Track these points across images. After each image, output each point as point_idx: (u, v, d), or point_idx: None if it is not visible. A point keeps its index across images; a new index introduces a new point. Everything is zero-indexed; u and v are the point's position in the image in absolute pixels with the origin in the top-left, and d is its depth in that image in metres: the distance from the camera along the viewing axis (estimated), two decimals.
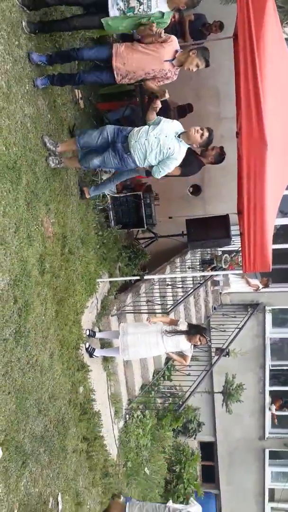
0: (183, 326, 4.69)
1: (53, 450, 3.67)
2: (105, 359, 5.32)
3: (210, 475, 9.07)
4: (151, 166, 3.95)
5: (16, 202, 3.29)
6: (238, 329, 7.51)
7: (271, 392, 8.56)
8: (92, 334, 4.92)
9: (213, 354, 7.55)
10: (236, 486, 8.81)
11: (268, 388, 8.48)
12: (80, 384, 4.45)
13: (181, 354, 4.76)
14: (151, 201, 5.65)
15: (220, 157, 3.84)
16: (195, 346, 4.69)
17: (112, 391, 5.45)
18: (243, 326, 7.67)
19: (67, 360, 4.19)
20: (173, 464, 7.37)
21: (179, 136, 3.79)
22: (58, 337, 4.04)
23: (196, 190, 7.50)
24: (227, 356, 6.95)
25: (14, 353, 3.19)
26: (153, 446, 6.30)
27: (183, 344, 4.63)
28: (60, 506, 3.71)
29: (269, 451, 8.71)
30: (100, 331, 5.20)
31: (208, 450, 8.84)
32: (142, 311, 5.80)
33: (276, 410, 8.57)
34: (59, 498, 3.72)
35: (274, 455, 8.86)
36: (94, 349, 4.86)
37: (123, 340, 4.70)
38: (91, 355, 4.79)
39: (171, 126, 3.81)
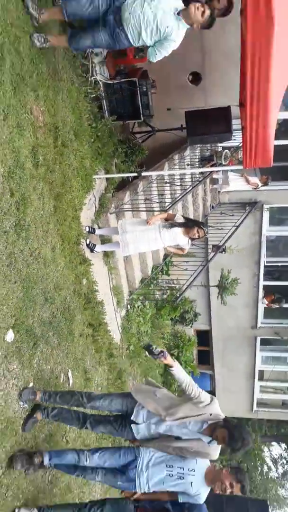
0: (180, 220, 4.72)
1: (61, 334, 3.96)
2: (106, 255, 5.47)
3: (205, 359, 9.96)
4: (147, 47, 3.60)
5: (2, 86, 3.05)
6: (235, 227, 7.60)
7: (264, 286, 8.98)
8: (91, 231, 4.98)
9: (209, 250, 7.76)
10: (229, 368, 9.72)
11: (262, 283, 8.87)
12: (83, 277, 4.64)
13: (179, 247, 4.84)
14: (147, 89, 5.27)
15: (227, 11, 3.43)
16: (192, 240, 4.75)
17: (113, 283, 5.70)
18: (240, 224, 7.74)
19: (69, 254, 4.29)
20: (172, 349, 8.04)
21: (178, 14, 3.38)
22: (58, 232, 4.09)
23: (196, 78, 6.96)
24: (223, 252, 7.13)
25: (16, 245, 3.25)
26: (153, 332, 6.82)
27: (180, 238, 4.68)
28: (70, 381, 4.12)
29: (261, 339, 9.43)
30: (99, 228, 5.26)
31: (204, 337, 9.57)
32: (140, 209, 5.80)
33: (267, 303, 9.08)
34: (70, 374, 4.12)
35: (265, 342, 9.61)
36: (94, 245, 4.96)
37: (123, 238, 4.76)
38: (92, 250, 4.91)
39: (170, 0, 3.38)
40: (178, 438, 2.96)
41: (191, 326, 8.47)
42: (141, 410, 3.10)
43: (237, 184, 7.68)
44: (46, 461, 3.11)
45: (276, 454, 18.15)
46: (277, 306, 9.13)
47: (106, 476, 3.08)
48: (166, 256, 7.35)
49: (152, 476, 2.95)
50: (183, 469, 2.91)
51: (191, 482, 2.87)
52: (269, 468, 17.91)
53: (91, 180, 4.93)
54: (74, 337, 4.26)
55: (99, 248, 5.05)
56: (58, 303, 3.92)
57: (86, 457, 3.07)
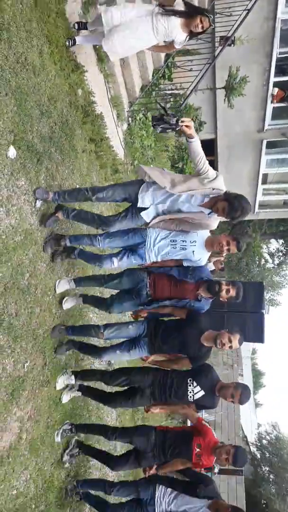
0: (180, 7, 3.91)
1: (63, 150, 3.91)
2: (100, 60, 4.91)
3: None
4: None
5: None
6: (246, 11, 6.55)
7: (275, 83, 8.28)
8: (82, 27, 4.29)
9: (216, 44, 6.89)
10: (233, 174, 9.84)
11: (272, 80, 8.15)
12: (78, 87, 4.28)
13: (169, 44, 4.12)
14: None
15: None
16: (192, 35, 3.96)
17: (111, 94, 5.30)
18: (252, 7, 6.64)
19: (59, 59, 3.86)
20: (176, 162, 8.00)
21: None
22: (43, 32, 3.59)
23: None
24: (232, 45, 6.34)
25: None
26: (156, 146, 6.68)
27: (178, 33, 3.88)
28: None
29: (267, 142, 9.22)
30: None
31: (209, 146, 9.39)
32: None
33: (276, 101, 8.49)
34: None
35: (271, 145, 9.43)
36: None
37: (111, 31, 3.94)
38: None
39: None
40: (180, 212, 3.22)
41: None
42: (145, 195, 3.26)
43: None
44: (67, 243, 3.53)
45: (273, 249, 20.10)
46: (286, 104, 8.58)
47: (121, 260, 3.49)
48: (168, 56, 6.58)
49: (159, 251, 3.35)
50: (185, 242, 3.30)
51: (193, 251, 3.30)
52: (266, 261, 20.10)
53: None
54: (77, 153, 4.22)
55: (80, 39, 4.17)
56: (55, 117, 3.74)
57: (99, 242, 3.46)
